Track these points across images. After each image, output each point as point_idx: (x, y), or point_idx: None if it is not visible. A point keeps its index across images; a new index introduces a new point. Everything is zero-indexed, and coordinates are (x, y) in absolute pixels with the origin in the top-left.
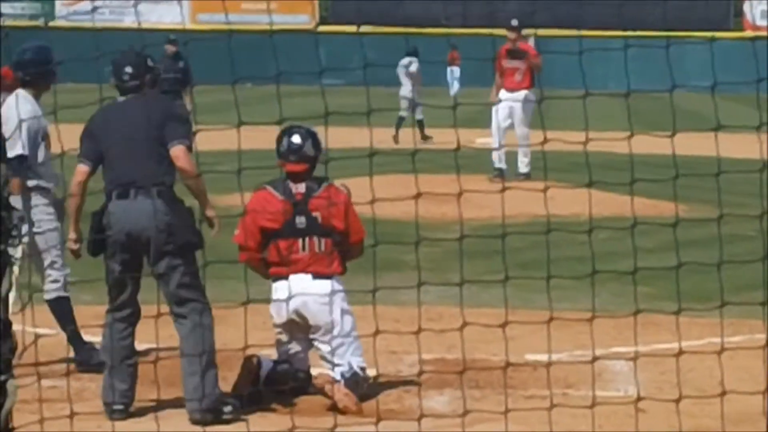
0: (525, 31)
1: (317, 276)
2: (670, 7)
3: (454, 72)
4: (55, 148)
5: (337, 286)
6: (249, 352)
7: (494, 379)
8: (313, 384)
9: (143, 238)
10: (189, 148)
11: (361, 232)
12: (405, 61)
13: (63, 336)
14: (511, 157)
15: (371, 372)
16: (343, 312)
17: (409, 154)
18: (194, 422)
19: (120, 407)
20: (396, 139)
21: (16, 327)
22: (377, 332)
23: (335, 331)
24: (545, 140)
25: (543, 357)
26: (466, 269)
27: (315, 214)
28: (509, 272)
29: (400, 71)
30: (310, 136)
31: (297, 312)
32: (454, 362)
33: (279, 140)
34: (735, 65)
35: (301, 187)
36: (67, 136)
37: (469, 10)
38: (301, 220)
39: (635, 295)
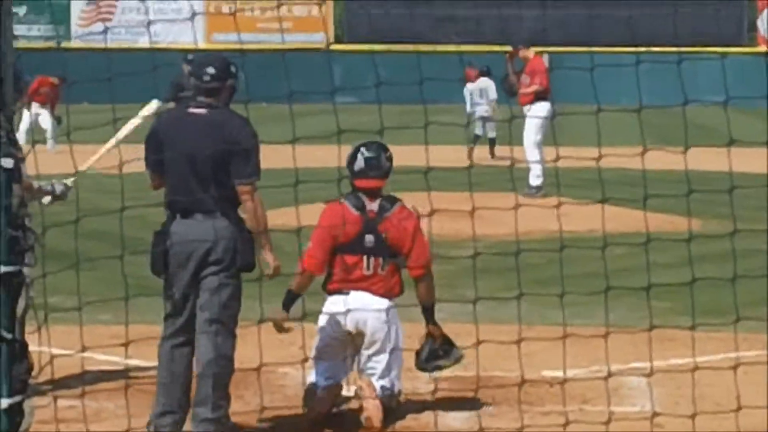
0: (535, 49)
1: (376, 295)
2: (683, 23)
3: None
4: (69, 168)
5: (394, 305)
6: (264, 370)
7: (510, 395)
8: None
9: (203, 258)
10: (253, 185)
11: (423, 257)
12: (482, 82)
13: (79, 356)
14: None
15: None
16: (397, 331)
17: (422, 172)
18: None
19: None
20: (470, 155)
21: (32, 348)
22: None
23: (388, 349)
24: (558, 157)
25: (559, 373)
26: (481, 286)
27: (384, 234)
28: (524, 289)
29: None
30: (383, 150)
31: (356, 326)
32: (469, 379)
33: (353, 157)
34: (749, 80)
35: (375, 205)
36: (81, 157)
37: (482, 27)
38: (369, 239)
39: (650, 311)
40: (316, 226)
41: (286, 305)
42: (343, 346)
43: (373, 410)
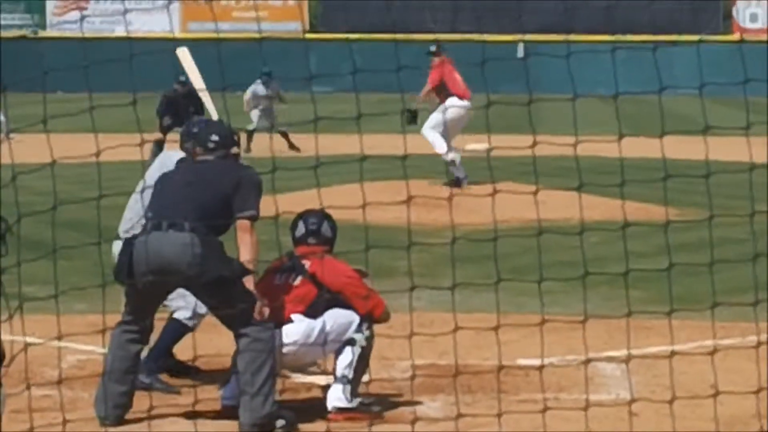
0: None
1: (287, 321)
2: (659, 12)
3: None
4: (45, 158)
5: (305, 325)
6: None
7: (486, 383)
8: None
9: (172, 270)
10: (255, 218)
11: (370, 303)
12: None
13: (55, 345)
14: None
15: (365, 377)
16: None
17: (400, 159)
18: None
19: (115, 415)
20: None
21: (4, 337)
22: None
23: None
24: (534, 143)
25: (535, 361)
26: (458, 274)
27: (305, 261)
28: (500, 277)
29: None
30: (325, 218)
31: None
32: (446, 367)
33: (294, 225)
34: (724, 68)
35: (308, 260)
36: (57, 145)
37: (458, 16)
38: (288, 264)
39: (627, 299)
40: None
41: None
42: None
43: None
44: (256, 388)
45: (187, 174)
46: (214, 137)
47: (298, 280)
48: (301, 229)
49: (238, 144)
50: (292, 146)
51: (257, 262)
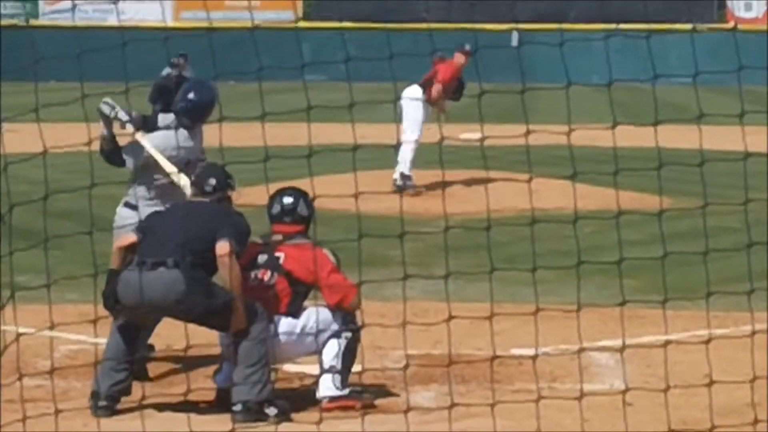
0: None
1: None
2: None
3: None
4: (37, 147)
5: (286, 325)
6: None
7: (480, 373)
8: None
9: (159, 309)
10: (235, 251)
11: (338, 294)
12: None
13: (47, 335)
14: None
15: (357, 367)
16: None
17: (392, 148)
18: (236, 421)
19: (105, 404)
20: None
21: None
22: (362, 326)
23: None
24: (528, 132)
25: (529, 351)
26: (452, 263)
27: (278, 254)
28: (494, 266)
29: None
30: (301, 196)
31: None
32: (440, 357)
33: (270, 204)
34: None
35: (280, 236)
36: (49, 134)
37: (452, 5)
38: (262, 258)
39: (621, 288)
40: None
41: None
42: None
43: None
44: (249, 376)
45: (179, 215)
46: (212, 181)
47: (273, 279)
48: (276, 207)
49: (233, 186)
50: None
51: (239, 284)
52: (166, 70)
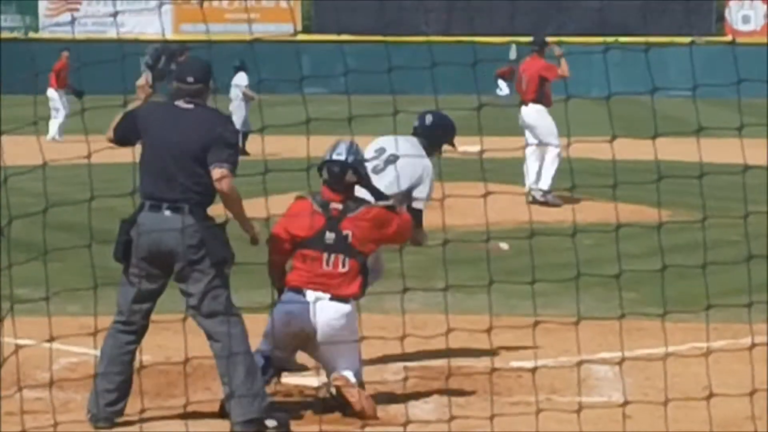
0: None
1: (334, 298)
2: (652, 13)
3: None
4: (37, 160)
5: (352, 310)
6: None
7: (479, 385)
8: (327, 386)
9: (171, 254)
10: (232, 171)
11: (403, 236)
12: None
13: (47, 347)
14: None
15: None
16: (352, 328)
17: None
18: None
19: (106, 416)
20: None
21: None
22: (362, 339)
23: (342, 350)
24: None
25: (528, 363)
26: (451, 276)
27: (346, 232)
28: (493, 278)
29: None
30: (350, 163)
31: (304, 329)
32: (439, 369)
33: (321, 167)
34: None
35: (339, 205)
36: (49, 147)
37: (451, 18)
38: (330, 236)
39: (620, 300)
40: (280, 218)
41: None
42: (290, 342)
43: (364, 402)
44: (242, 388)
45: (170, 132)
46: (193, 73)
47: (347, 265)
48: (325, 174)
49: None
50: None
51: (244, 212)
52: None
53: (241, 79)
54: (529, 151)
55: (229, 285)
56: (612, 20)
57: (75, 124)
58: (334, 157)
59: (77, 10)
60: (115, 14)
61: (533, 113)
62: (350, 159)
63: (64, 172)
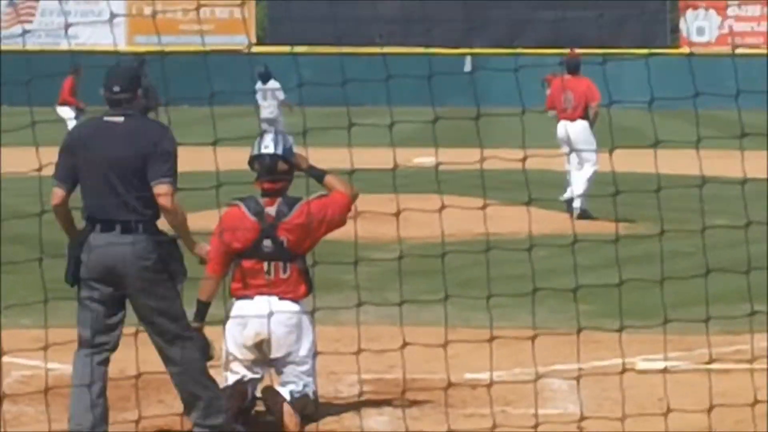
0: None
1: (282, 298)
2: (607, 25)
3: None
4: None
5: (302, 309)
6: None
7: (434, 398)
8: (258, 397)
9: (125, 274)
10: (173, 185)
11: (342, 218)
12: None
13: None
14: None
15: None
16: (306, 335)
17: (347, 173)
18: None
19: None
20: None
21: None
22: (317, 353)
23: (297, 354)
24: (482, 157)
25: (483, 375)
26: (406, 289)
27: (282, 238)
28: (449, 291)
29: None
30: (275, 154)
31: (258, 333)
32: (393, 382)
33: (251, 162)
34: (673, 82)
35: (272, 210)
36: (3, 158)
37: (406, 29)
38: (267, 244)
39: (577, 314)
40: (214, 231)
41: (200, 315)
42: (250, 351)
43: (286, 416)
44: (200, 409)
45: (104, 150)
46: (119, 81)
47: (288, 271)
48: (257, 166)
49: (147, 90)
50: None
51: (187, 227)
52: None
53: (273, 84)
54: (572, 164)
55: (182, 301)
56: (567, 32)
57: (25, 136)
58: (263, 150)
59: (30, 22)
60: (67, 26)
61: (581, 129)
62: (279, 150)
63: (17, 184)
